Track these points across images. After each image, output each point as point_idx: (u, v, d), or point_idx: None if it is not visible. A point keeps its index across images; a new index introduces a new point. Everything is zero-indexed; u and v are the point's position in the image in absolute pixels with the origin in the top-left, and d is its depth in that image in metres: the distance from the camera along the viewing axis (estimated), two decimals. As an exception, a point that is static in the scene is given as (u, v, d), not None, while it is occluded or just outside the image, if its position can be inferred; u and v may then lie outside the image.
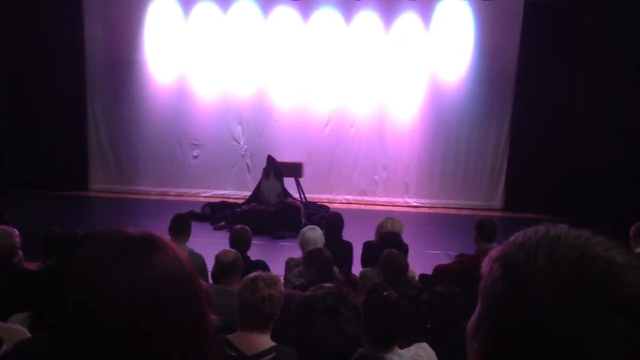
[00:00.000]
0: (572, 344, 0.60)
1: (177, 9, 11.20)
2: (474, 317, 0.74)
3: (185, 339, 0.85)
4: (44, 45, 10.97)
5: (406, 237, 5.31)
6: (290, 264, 4.79)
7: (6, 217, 4.90)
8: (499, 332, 0.66)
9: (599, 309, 0.60)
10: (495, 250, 0.71)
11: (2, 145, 10.95)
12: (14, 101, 11.06)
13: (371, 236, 5.45)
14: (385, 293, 2.66)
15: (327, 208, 9.73)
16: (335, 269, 4.67)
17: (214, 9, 11.12)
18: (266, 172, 9.49)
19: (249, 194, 10.01)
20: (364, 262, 5.21)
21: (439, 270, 4.94)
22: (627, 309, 0.60)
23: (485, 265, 0.71)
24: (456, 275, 4.40)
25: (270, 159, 9.56)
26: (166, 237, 0.93)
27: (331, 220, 5.83)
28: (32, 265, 4.45)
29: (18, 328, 2.59)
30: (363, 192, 11.28)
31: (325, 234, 5.21)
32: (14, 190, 10.74)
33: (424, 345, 2.68)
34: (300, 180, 10.23)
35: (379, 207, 10.62)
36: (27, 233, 4.73)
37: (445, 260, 6.11)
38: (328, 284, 2.21)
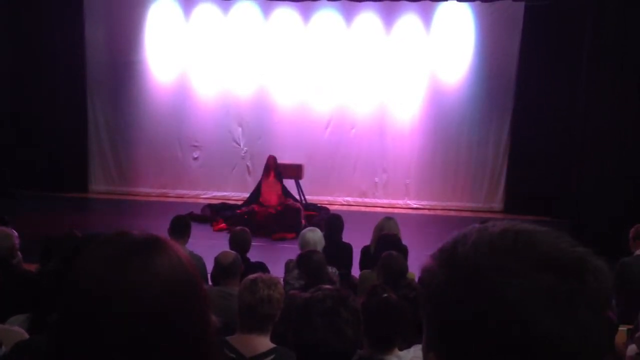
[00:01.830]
0: (505, 306, 0.64)
1: (178, 10, 11.21)
2: (424, 337, 0.76)
3: (186, 342, 0.85)
4: (44, 46, 10.98)
5: (406, 239, 5.30)
6: (289, 266, 4.79)
7: (6, 219, 4.89)
8: (446, 327, 0.69)
9: (522, 270, 0.65)
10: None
11: (1, 146, 10.94)
12: (14, 102, 11.06)
13: (371, 238, 5.42)
14: (385, 295, 2.65)
15: (327, 210, 9.72)
16: (335, 271, 4.67)
17: (215, 10, 11.13)
18: (266, 172, 9.47)
19: (248, 195, 10.00)
20: (363, 267, 5.20)
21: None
22: (546, 265, 0.65)
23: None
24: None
25: (271, 159, 9.51)
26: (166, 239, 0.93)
27: (331, 222, 5.82)
28: (32, 267, 4.45)
29: (17, 330, 2.58)
30: (363, 194, 11.28)
31: (325, 236, 5.20)
32: (13, 192, 10.74)
33: (424, 347, 2.67)
34: (301, 181, 10.23)
35: (379, 209, 10.61)
36: (26, 234, 4.73)
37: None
38: (327, 286, 2.20)
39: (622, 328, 3.79)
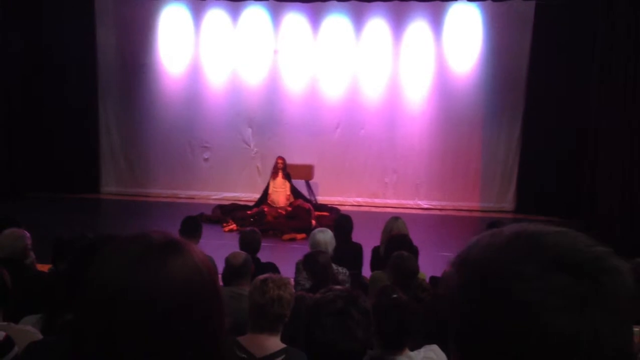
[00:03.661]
0: (517, 308, 0.63)
1: (189, 14, 11.27)
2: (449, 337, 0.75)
3: (200, 343, 0.86)
4: (56, 49, 11.06)
5: (417, 240, 5.28)
6: (300, 266, 4.78)
7: (18, 221, 4.90)
8: (462, 329, 0.69)
9: (536, 272, 0.64)
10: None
11: (14, 148, 11.04)
12: (27, 105, 11.15)
13: (380, 239, 5.42)
14: (395, 295, 2.65)
15: (338, 210, 9.72)
16: (345, 271, 4.66)
17: (225, 14, 11.18)
18: (274, 173, 9.48)
19: (259, 196, 10.02)
20: (373, 268, 5.19)
21: (449, 272, 4.91)
22: (561, 267, 0.64)
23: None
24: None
25: (280, 160, 9.51)
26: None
27: (340, 222, 5.81)
28: (44, 268, 4.49)
29: (30, 330, 2.60)
30: (373, 195, 11.26)
31: (335, 236, 5.20)
32: (26, 194, 10.83)
33: (435, 347, 2.67)
34: (311, 182, 10.23)
35: (389, 210, 10.57)
36: (39, 236, 4.76)
37: (456, 263, 6.07)
38: (338, 287, 2.20)
39: (636, 329, 3.75)
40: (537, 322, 0.62)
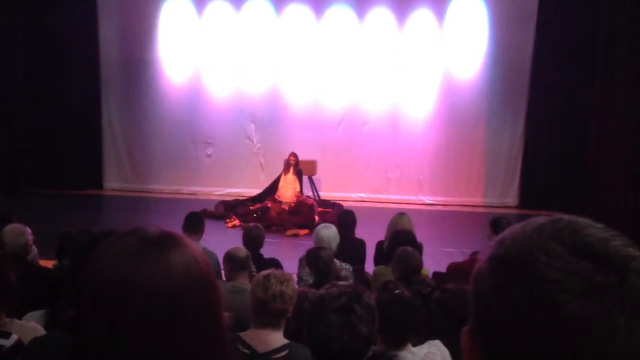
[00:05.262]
0: (540, 284, 0.64)
1: (191, 8, 11.26)
2: (468, 327, 0.75)
3: (198, 338, 0.86)
4: (59, 45, 11.06)
5: (420, 235, 5.27)
6: (303, 262, 4.78)
7: (13, 219, 4.84)
8: (483, 302, 0.70)
9: (564, 254, 0.65)
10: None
11: (18, 145, 11.05)
12: (30, 101, 11.16)
13: (385, 234, 5.42)
14: (397, 291, 2.64)
15: (341, 206, 9.72)
16: (348, 267, 4.66)
17: (227, 7, 11.16)
18: (286, 168, 9.48)
19: (262, 191, 10.02)
20: (377, 262, 5.19)
21: (452, 268, 4.92)
22: (589, 254, 0.64)
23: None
24: (470, 273, 4.35)
25: (292, 156, 9.48)
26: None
27: (343, 218, 5.82)
28: (48, 263, 4.49)
29: (33, 326, 2.60)
30: (376, 190, 11.26)
31: (338, 232, 5.20)
32: (30, 190, 10.85)
33: (437, 342, 2.66)
34: (314, 178, 10.23)
35: (392, 205, 10.58)
36: (42, 232, 4.77)
37: (460, 258, 6.07)
38: (343, 282, 2.20)
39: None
40: (553, 301, 0.63)
